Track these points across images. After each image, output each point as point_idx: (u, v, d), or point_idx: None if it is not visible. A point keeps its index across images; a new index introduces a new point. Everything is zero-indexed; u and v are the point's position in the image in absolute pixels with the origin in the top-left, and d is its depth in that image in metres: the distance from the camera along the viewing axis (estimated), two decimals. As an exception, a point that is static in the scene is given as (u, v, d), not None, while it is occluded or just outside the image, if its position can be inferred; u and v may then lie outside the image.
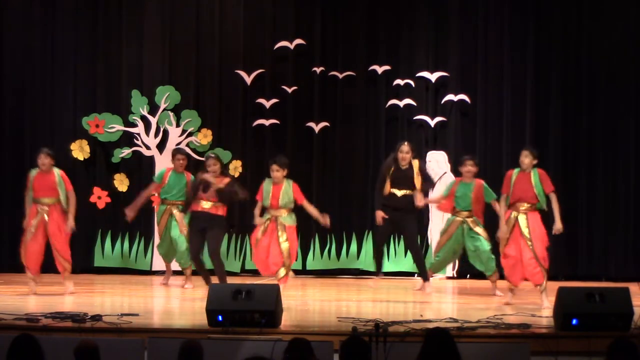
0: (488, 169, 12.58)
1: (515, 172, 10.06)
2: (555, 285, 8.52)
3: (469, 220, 10.86)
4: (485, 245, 10.74)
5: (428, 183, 11.17)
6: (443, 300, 10.43)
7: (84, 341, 5.63)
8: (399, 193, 10.87)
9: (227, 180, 10.53)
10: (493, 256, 10.65)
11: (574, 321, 7.76)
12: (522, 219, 9.86)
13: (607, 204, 13.01)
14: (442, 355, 5.09)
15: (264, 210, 10.55)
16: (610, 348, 5.35)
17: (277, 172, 10.42)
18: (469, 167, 10.94)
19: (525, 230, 9.80)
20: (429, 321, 8.14)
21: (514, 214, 9.92)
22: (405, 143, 11.03)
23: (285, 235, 10.36)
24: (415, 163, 10.95)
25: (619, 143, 13.05)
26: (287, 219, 10.43)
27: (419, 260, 11.14)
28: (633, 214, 12.98)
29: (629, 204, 13.00)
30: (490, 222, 10.79)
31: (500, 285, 10.71)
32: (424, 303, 10.34)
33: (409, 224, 10.94)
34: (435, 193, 12.91)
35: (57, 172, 10.64)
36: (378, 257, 11.39)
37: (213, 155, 10.66)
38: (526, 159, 10.05)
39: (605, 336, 6.61)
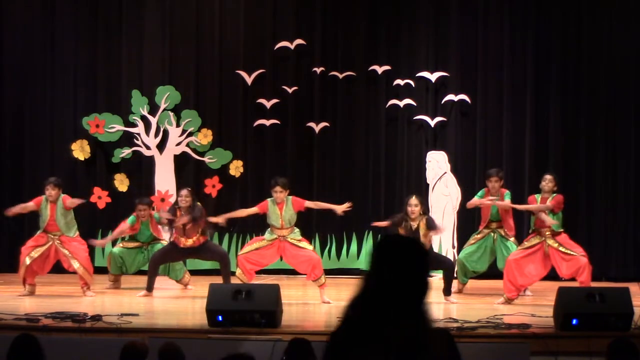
0: (488, 169, 12.55)
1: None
2: (555, 285, 8.52)
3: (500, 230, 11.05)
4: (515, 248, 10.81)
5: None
6: (443, 300, 10.40)
7: (131, 342, 5.63)
8: None
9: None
10: None
11: (574, 321, 7.76)
12: (551, 242, 10.09)
13: (606, 204, 13.00)
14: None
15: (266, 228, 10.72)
16: (610, 348, 5.35)
17: (280, 193, 10.49)
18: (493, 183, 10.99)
19: (561, 247, 10.15)
20: (429, 321, 8.13)
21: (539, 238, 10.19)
22: (414, 197, 10.46)
23: (304, 243, 10.55)
24: (423, 223, 10.35)
25: (618, 143, 13.04)
26: (296, 235, 10.58)
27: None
28: (633, 214, 12.97)
29: (628, 204, 12.99)
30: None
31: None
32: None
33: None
34: (436, 193, 12.91)
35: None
36: None
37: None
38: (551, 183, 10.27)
39: (605, 336, 6.62)
